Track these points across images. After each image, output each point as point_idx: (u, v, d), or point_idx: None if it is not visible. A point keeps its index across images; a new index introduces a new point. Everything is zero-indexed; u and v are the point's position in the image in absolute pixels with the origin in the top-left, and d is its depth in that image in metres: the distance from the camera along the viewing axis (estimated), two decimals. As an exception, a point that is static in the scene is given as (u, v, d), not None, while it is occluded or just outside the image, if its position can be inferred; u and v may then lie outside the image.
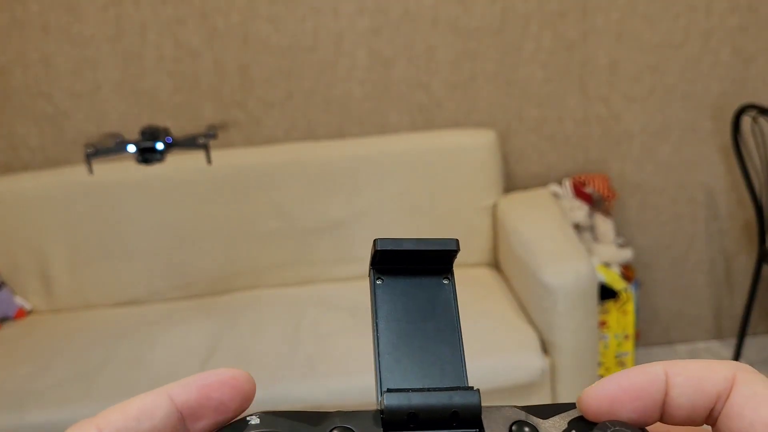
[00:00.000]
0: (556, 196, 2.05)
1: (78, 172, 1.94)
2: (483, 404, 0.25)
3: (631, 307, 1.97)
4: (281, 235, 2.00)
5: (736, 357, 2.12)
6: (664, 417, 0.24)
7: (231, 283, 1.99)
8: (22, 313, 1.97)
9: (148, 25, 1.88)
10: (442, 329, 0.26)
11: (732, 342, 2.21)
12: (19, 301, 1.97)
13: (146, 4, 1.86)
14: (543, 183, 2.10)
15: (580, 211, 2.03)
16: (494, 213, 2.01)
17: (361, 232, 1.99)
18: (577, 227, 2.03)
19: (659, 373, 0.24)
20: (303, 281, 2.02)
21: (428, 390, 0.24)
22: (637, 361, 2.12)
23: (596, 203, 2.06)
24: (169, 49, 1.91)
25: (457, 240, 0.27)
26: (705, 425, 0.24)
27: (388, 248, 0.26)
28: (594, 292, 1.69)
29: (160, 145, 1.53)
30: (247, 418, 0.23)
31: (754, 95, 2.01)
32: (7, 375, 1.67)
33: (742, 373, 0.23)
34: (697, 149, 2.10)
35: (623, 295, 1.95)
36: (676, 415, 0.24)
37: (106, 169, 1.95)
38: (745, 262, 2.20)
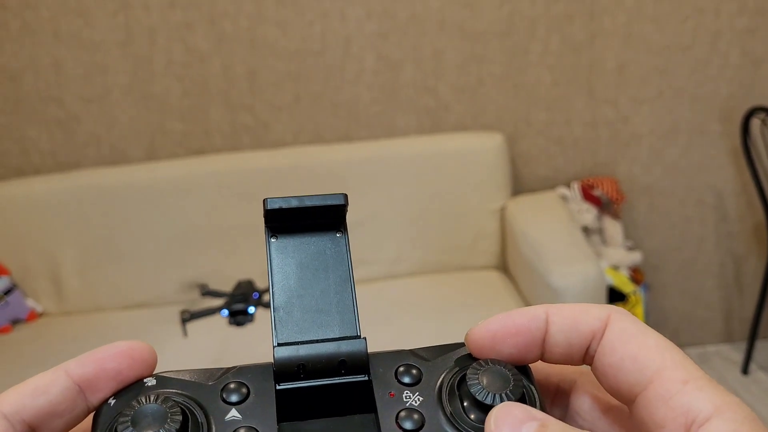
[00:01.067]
0: (564, 198, 2.05)
1: (88, 175, 1.96)
2: (371, 351, 0.25)
3: (639, 310, 1.96)
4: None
5: (747, 360, 2.10)
6: (544, 355, 0.26)
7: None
8: (33, 316, 1.98)
9: (158, 30, 1.90)
10: (336, 281, 0.27)
11: (742, 345, 2.19)
12: (31, 303, 1.99)
13: (156, 9, 1.88)
14: (551, 186, 2.10)
15: (588, 213, 2.03)
16: (502, 216, 2.01)
17: (370, 236, 2.00)
18: (586, 230, 2.03)
19: (539, 313, 0.25)
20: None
21: (317, 341, 0.25)
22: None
23: (605, 206, 2.06)
24: (179, 53, 1.92)
25: (344, 195, 0.27)
26: (584, 364, 0.26)
27: (276, 207, 0.26)
28: (602, 295, 1.69)
29: (252, 309, 1.61)
30: (144, 381, 0.24)
31: (763, 98, 2.00)
32: (19, 377, 1.68)
33: (616, 314, 0.25)
34: (705, 152, 2.09)
35: (632, 298, 1.95)
36: (554, 353, 0.25)
37: (115, 173, 1.97)
38: (754, 265, 2.19)
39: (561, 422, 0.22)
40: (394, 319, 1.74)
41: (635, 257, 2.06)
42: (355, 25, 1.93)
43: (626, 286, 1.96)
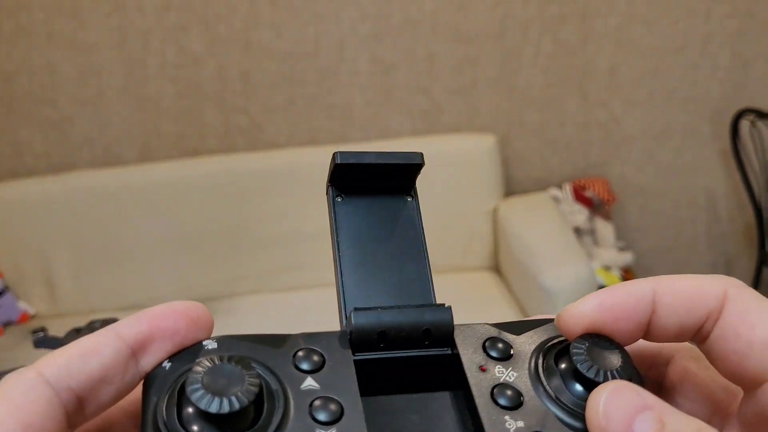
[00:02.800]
0: (556, 200, 2.06)
1: (82, 177, 1.96)
2: (455, 322, 0.24)
3: (631, 310, 1.98)
4: (284, 240, 2.01)
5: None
6: (648, 335, 0.23)
7: (234, 287, 2.01)
8: (25, 318, 1.98)
9: (152, 32, 1.90)
10: (407, 248, 0.25)
11: (733, 345, 2.21)
12: (23, 305, 1.99)
13: (150, 11, 1.88)
14: (543, 187, 2.11)
15: (580, 215, 2.04)
16: (495, 217, 2.02)
17: (363, 237, 2.00)
18: (578, 231, 2.04)
19: (646, 292, 0.23)
20: (306, 286, 2.03)
21: (398, 308, 0.23)
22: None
23: (596, 207, 2.07)
24: (173, 55, 1.93)
25: (421, 153, 0.25)
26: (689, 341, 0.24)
27: (349, 161, 0.24)
28: (594, 296, 1.70)
29: None
30: (204, 343, 0.22)
31: (752, 99, 2.02)
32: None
33: (734, 289, 0.22)
34: (697, 153, 2.11)
35: (624, 299, 1.96)
36: (662, 335, 0.23)
37: (109, 175, 1.97)
38: (745, 265, 2.21)
39: (679, 412, 0.20)
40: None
41: (627, 258, 2.08)
42: (349, 27, 1.94)
43: (618, 287, 1.97)
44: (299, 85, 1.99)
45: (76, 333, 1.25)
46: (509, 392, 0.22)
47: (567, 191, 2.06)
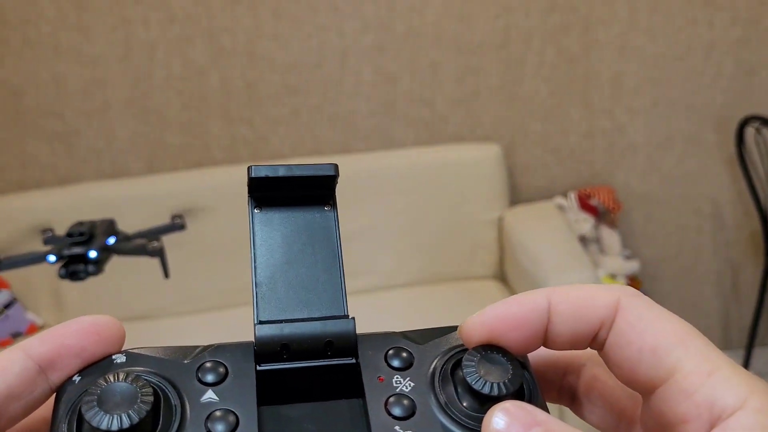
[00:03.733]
0: (561, 208, 2.06)
1: (88, 188, 1.97)
2: (360, 332, 0.24)
3: (637, 318, 1.97)
4: (288, 250, 2.02)
5: (745, 367, 2.09)
6: (546, 344, 0.24)
7: (239, 297, 2.01)
8: (33, 329, 1.99)
9: (157, 45, 1.92)
10: (323, 258, 0.25)
11: (740, 353, 2.20)
12: (31, 316, 2.00)
13: (155, 24, 1.90)
14: (548, 196, 2.11)
15: (585, 223, 2.04)
16: (500, 226, 2.02)
17: (367, 247, 2.01)
18: (583, 239, 2.04)
19: (541, 302, 0.23)
20: (310, 295, 2.04)
21: (302, 320, 0.24)
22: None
23: (602, 215, 2.07)
24: (177, 67, 1.94)
25: (335, 165, 0.25)
26: (589, 348, 0.24)
27: (262, 175, 0.25)
28: (599, 304, 1.70)
29: (93, 253, 1.15)
30: (113, 357, 0.22)
31: (757, 106, 2.01)
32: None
33: (626, 298, 0.23)
34: (701, 161, 2.11)
35: (630, 307, 1.95)
36: (558, 342, 0.24)
37: (115, 186, 1.98)
38: (752, 273, 2.20)
39: (565, 425, 0.20)
40: (393, 330, 1.74)
41: (633, 266, 2.07)
42: (351, 39, 1.95)
43: (624, 295, 1.96)
44: (303, 96, 2.00)
45: (79, 225, 1.18)
46: (403, 402, 0.22)
47: (572, 200, 2.06)
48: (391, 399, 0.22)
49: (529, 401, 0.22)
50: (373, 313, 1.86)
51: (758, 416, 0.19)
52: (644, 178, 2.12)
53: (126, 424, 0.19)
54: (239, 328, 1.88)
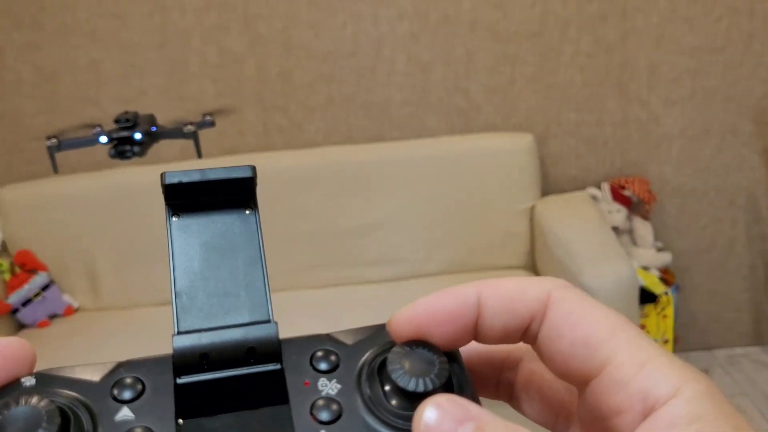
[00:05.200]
0: (594, 199, 2.05)
1: (124, 174, 2.00)
2: (284, 336, 0.23)
3: (670, 311, 1.96)
4: (317, 237, 2.03)
5: (778, 362, 2.09)
6: (477, 338, 0.24)
7: (272, 283, 2.02)
8: (70, 311, 2.02)
9: (193, 32, 1.93)
10: (245, 263, 0.24)
11: (773, 347, 2.18)
12: (67, 298, 2.03)
13: (191, 11, 1.90)
14: (581, 186, 2.10)
15: (618, 214, 2.03)
16: (532, 216, 2.01)
17: (399, 235, 2.01)
18: (616, 230, 2.03)
19: (471, 296, 0.23)
20: (338, 283, 2.05)
21: (222, 328, 0.23)
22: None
23: (635, 206, 2.06)
24: (213, 55, 1.95)
25: (253, 167, 0.24)
26: (521, 342, 0.24)
27: (176, 181, 0.24)
28: (635, 295, 1.69)
29: (137, 135, 1.32)
30: (22, 380, 0.21)
31: (797, 98, 1.98)
32: (57, 371, 1.72)
33: (557, 291, 0.22)
34: (738, 152, 2.08)
35: (663, 299, 1.94)
36: (489, 336, 0.23)
37: (150, 172, 2.00)
38: (786, 267, 2.18)
39: (498, 419, 0.20)
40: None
41: (665, 258, 2.06)
42: (386, 27, 1.94)
43: (657, 287, 1.96)
44: (337, 84, 2.00)
45: (125, 113, 1.31)
46: (328, 406, 0.22)
47: (605, 190, 2.05)
48: (317, 403, 0.22)
49: (459, 395, 0.21)
50: (402, 301, 1.86)
51: (690, 404, 0.19)
52: (679, 169, 2.10)
53: None
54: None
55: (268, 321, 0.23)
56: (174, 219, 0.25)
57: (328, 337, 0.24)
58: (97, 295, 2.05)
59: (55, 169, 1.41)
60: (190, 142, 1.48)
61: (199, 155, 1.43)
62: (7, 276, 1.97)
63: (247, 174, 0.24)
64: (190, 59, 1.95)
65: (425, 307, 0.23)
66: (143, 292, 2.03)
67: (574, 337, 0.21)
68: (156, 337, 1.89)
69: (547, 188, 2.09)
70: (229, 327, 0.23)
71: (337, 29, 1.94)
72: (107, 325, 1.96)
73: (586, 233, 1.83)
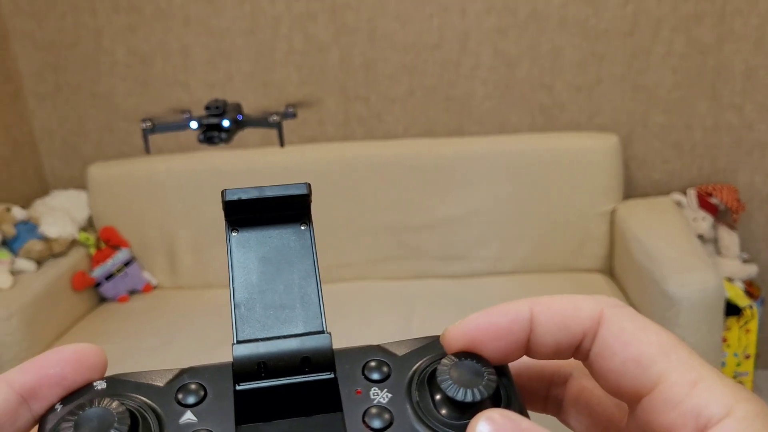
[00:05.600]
0: (678, 205, 1.98)
1: (207, 158, 2.04)
2: (338, 347, 0.24)
3: (754, 325, 1.88)
4: (393, 229, 2.03)
5: None
6: (529, 353, 0.24)
7: (340, 272, 2.04)
8: (149, 288, 2.08)
9: (281, 20, 1.95)
10: (300, 276, 0.25)
11: None
12: (147, 276, 2.09)
13: (280, -1, 1.93)
14: (665, 191, 2.03)
15: (703, 222, 1.96)
16: (612, 219, 1.96)
17: (474, 231, 2.00)
18: (700, 239, 1.96)
19: (523, 312, 0.23)
20: (411, 276, 2.05)
21: (278, 338, 0.24)
22: (756, 384, 2.03)
23: (721, 215, 1.98)
24: (299, 42, 1.97)
25: (308, 184, 0.26)
26: (573, 358, 0.24)
27: (235, 198, 0.25)
28: (720, 307, 1.63)
29: (226, 122, 1.40)
30: (94, 384, 0.23)
31: None
32: (133, 346, 1.78)
33: (610, 309, 0.23)
34: (836, 164, 1.98)
35: (747, 313, 1.87)
36: (540, 352, 0.24)
37: (231, 157, 2.04)
38: None
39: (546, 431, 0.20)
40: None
41: (751, 270, 1.98)
42: (474, 20, 1.93)
43: (741, 300, 1.88)
44: (420, 76, 1.99)
45: (215, 101, 1.40)
46: (379, 414, 0.22)
47: (691, 197, 1.98)
48: (369, 411, 0.22)
49: (507, 407, 0.22)
50: (476, 299, 1.85)
51: (742, 424, 0.19)
52: (771, 178, 2.01)
53: None
54: (339, 303, 1.90)
55: (322, 332, 0.24)
56: (233, 234, 0.26)
57: (380, 348, 0.25)
58: (175, 273, 2.10)
59: (148, 150, 1.47)
60: (273, 131, 1.53)
61: (282, 144, 1.49)
62: (93, 251, 2.05)
63: (302, 191, 0.26)
64: (276, 46, 1.98)
65: (478, 322, 0.23)
66: (219, 274, 2.08)
67: (626, 355, 0.22)
68: (227, 319, 1.93)
69: (630, 191, 2.03)
70: (285, 337, 0.24)
71: (423, 21, 1.94)
72: (183, 303, 2.01)
73: (670, 240, 1.77)
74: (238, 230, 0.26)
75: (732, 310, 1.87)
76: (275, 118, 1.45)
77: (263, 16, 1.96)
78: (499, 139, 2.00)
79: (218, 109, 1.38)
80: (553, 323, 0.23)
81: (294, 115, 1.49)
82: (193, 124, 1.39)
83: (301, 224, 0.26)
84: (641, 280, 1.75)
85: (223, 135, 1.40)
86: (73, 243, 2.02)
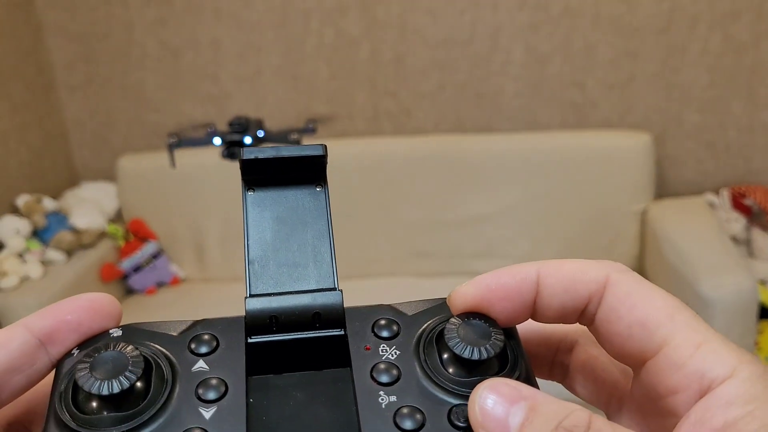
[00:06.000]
0: (711, 205, 1.95)
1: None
2: (348, 305, 0.24)
3: (787, 329, 1.85)
4: (422, 226, 2.02)
5: None
6: (535, 316, 0.24)
7: (369, 268, 2.03)
8: (176, 281, 2.09)
9: (312, 14, 1.95)
10: (314, 236, 0.26)
11: None
12: (175, 268, 2.10)
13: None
14: (697, 192, 2.01)
15: (736, 223, 1.93)
16: (644, 219, 1.94)
17: (503, 229, 1.98)
18: (733, 240, 1.92)
19: (531, 274, 0.23)
20: (440, 273, 2.04)
21: (290, 293, 0.24)
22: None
23: (755, 216, 1.95)
24: (330, 37, 1.97)
25: (324, 145, 0.26)
26: (578, 324, 0.24)
27: (252, 157, 0.25)
28: (754, 309, 1.60)
29: (248, 140, 1.44)
30: (111, 331, 0.24)
31: None
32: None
33: (616, 273, 0.23)
34: None
35: (780, 316, 1.83)
36: (546, 315, 0.24)
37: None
38: None
39: (552, 397, 0.20)
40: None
41: (785, 273, 1.94)
42: (506, 16, 1.91)
43: (775, 303, 1.85)
44: (450, 72, 1.98)
45: (238, 118, 1.44)
46: (387, 370, 0.23)
47: (724, 197, 1.95)
48: (377, 366, 0.23)
49: (513, 368, 0.23)
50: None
51: (746, 384, 0.20)
52: (807, 180, 1.97)
53: (116, 389, 0.21)
54: (368, 298, 1.90)
55: (333, 289, 0.25)
56: (249, 193, 0.26)
57: (390, 308, 0.25)
58: (202, 266, 2.11)
59: (173, 165, 1.54)
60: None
61: None
62: (121, 242, 2.06)
63: (318, 152, 0.25)
64: (306, 40, 1.98)
65: (486, 282, 0.24)
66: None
67: (631, 319, 0.22)
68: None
69: (662, 191, 2.00)
70: (297, 293, 0.24)
71: (455, 16, 1.92)
72: (210, 296, 2.01)
73: (704, 241, 1.74)
74: (254, 189, 0.26)
75: (765, 313, 1.84)
76: (295, 136, 1.49)
77: (294, 10, 1.95)
78: (529, 137, 1.99)
79: (240, 126, 1.44)
80: (559, 285, 0.23)
81: (314, 131, 1.52)
82: (217, 141, 1.46)
83: (316, 186, 0.27)
84: (673, 281, 1.73)
85: None
86: (102, 235, 2.03)
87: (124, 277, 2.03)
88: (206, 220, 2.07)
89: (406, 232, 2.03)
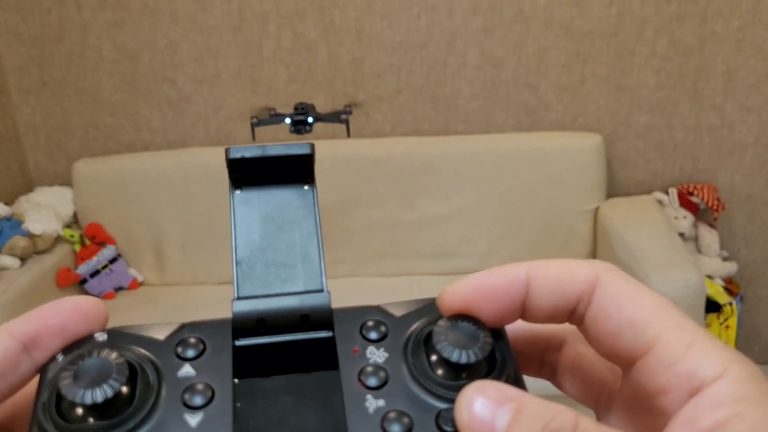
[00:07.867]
0: (660, 203, 2.02)
1: (194, 154, 2.04)
2: (336, 306, 0.24)
3: (733, 322, 1.92)
4: (381, 227, 2.04)
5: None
6: (525, 316, 0.24)
7: (329, 270, 2.02)
8: (135, 285, 2.08)
9: (269, 17, 1.96)
10: (302, 236, 0.26)
11: (838, 366, 2.12)
12: (133, 272, 2.09)
13: (268, -4, 1.93)
14: (647, 190, 2.07)
15: (684, 220, 2.00)
16: (596, 218, 1.99)
17: (461, 229, 2.02)
18: (681, 237, 1.99)
19: (520, 274, 0.23)
20: (400, 273, 2.06)
21: (278, 295, 0.24)
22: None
23: (702, 213, 2.02)
24: (287, 41, 1.98)
25: (311, 144, 0.26)
26: (567, 323, 0.24)
27: (239, 156, 0.25)
28: (701, 304, 1.66)
29: (311, 119, 1.83)
30: (96, 335, 0.23)
31: None
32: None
33: (605, 273, 0.23)
34: (813, 164, 2.02)
35: (726, 309, 1.91)
36: (536, 315, 0.24)
37: (220, 153, 2.03)
38: None
39: (538, 399, 0.20)
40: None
41: (730, 268, 2.02)
42: (460, 20, 1.94)
43: (721, 297, 1.92)
44: (407, 75, 2.01)
45: (300, 104, 1.93)
46: (375, 373, 0.23)
47: (672, 195, 2.01)
48: (365, 369, 0.23)
49: (501, 370, 0.23)
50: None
51: (736, 384, 0.20)
52: (750, 178, 2.05)
53: (100, 398, 0.20)
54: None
55: (321, 290, 0.24)
56: (237, 192, 0.26)
57: (378, 309, 0.25)
58: (162, 270, 2.10)
59: (254, 139, 1.92)
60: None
61: (348, 135, 1.94)
62: (78, 247, 2.04)
63: (306, 151, 0.25)
64: (264, 44, 1.99)
65: (474, 283, 0.23)
66: (206, 271, 2.08)
67: (620, 318, 0.22)
68: (216, 314, 1.93)
69: (613, 190, 2.06)
70: (285, 294, 0.24)
71: (411, 20, 1.95)
72: (170, 300, 2.01)
73: (652, 238, 1.80)
74: (241, 189, 0.26)
75: (712, 306, 1.90)
76: (344, 116, 1.90)
77: (251, 14, 1.96)
78: (485, 138, 2.03)
79: (303, 109, 1.87)
80: (549, 286, 0.23)
81: (350, 113, 1.94)
82: (287, 120, 1.87)
83: (304, 185, 0.26)
84: (624, 278, 1.78)
85: (308, 128, 1.88)
86: (58, 239, 2.01)
87: (82, 282, 2.01)
88: (165, 223, 2.06)
89: (366, 233, 2.05)
